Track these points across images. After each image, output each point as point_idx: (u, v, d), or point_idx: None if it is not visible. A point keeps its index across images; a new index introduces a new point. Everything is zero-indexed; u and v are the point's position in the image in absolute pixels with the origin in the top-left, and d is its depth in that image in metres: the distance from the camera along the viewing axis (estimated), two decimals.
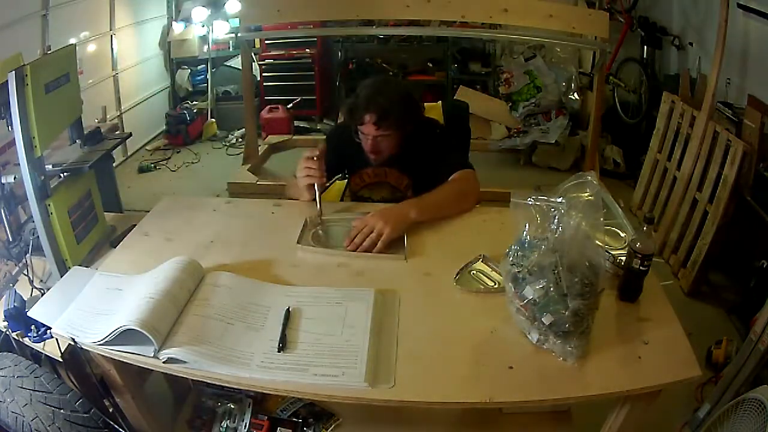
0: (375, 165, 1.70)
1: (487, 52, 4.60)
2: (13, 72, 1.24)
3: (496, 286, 1.24)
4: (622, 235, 1.39)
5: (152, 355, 1.05)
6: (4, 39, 2.83)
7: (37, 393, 1.22)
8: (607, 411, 1.21)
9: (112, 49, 3.92)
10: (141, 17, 4.27)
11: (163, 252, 1.35)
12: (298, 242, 1.43)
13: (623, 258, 1.21)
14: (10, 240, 1.54)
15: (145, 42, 4.41)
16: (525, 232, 1.09)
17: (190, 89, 4.74)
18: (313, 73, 4.53)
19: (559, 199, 1.07)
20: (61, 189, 1.46)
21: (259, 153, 3.94)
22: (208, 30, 4.50)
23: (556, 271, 1.02)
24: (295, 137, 4.33)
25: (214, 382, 1.20)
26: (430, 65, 4.64)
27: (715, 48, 2.54)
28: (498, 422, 1.50)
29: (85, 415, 1.23)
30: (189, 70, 4.72)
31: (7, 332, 1.32)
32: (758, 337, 1.58)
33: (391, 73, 4.54)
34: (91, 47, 3.70)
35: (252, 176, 3.64)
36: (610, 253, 1.26)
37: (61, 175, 1.48)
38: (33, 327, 1.28)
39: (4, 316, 1.32)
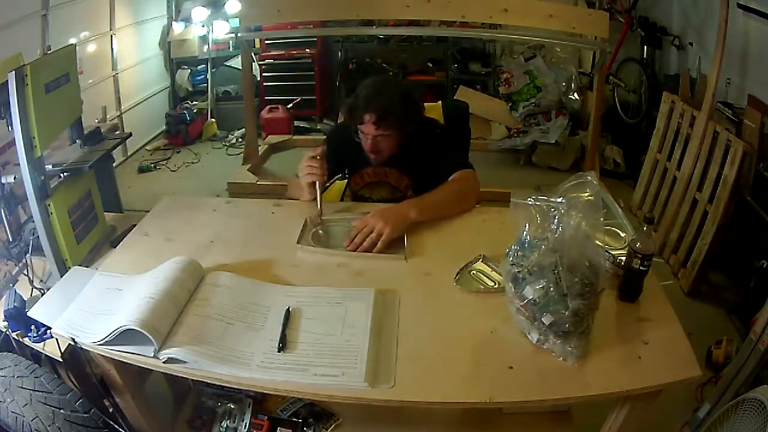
0: (375, 165, 1.70)
1: (487, 52, 4.59)
2: (13, 72, 1.24)
3: (496, 286, 1.24)
4: (622, 235, 1.39)
5: (152, 355, 1.05)
6: (4, 39, 2.83)
7: (37, 393, 1.22)
8: (607, 411, 1.21)
9: (112, 49, 3.92)
10: (141, 17, 4.27)
11: (163, 252, 1.35)
12: (298, 242, 1.42)
13: (623, 258, 1.21)
14: (10, 240, 1.53)
15: (145, 42, 4.41)
16: (525, 232, 1.09)
17: (190, 89, 4.74)
18: (313, 73, 4.53)
19: (559, 199, 1.07)
20: (61, 189, 1.46)
21: (259, 153, 3.94)
22: (208, 30, 4.50)
23: (556, 271, 1.02)
24: (295, 137, 4.33)
25: (214, 382, 1.20)
26: (430, 65, 4.64)
27: (715, 48, 2.54)
28: (498, 422, 1.50)
29: (85, 415, 1.23)
30: (189, 70, 4.72)
31: (7, 332, 1.32)
32: (758, 337, 1.58)
33: (391, 73, 4.53)
34: (91, 47, 3.70)
35: (252, 176, 3.64)
36: (610, 253, 1.26)
37: (61, 175, 1.48)
38: (33, 327, 1.28)
39: (4, 316, 1.32)
